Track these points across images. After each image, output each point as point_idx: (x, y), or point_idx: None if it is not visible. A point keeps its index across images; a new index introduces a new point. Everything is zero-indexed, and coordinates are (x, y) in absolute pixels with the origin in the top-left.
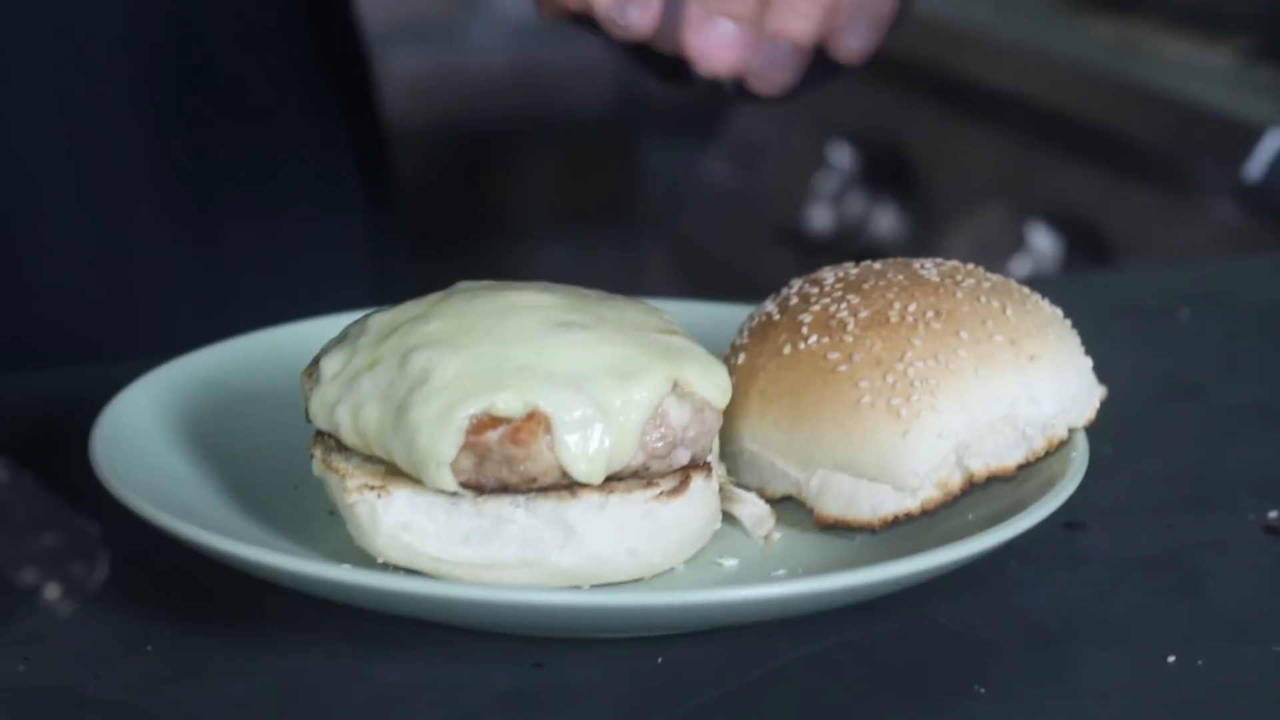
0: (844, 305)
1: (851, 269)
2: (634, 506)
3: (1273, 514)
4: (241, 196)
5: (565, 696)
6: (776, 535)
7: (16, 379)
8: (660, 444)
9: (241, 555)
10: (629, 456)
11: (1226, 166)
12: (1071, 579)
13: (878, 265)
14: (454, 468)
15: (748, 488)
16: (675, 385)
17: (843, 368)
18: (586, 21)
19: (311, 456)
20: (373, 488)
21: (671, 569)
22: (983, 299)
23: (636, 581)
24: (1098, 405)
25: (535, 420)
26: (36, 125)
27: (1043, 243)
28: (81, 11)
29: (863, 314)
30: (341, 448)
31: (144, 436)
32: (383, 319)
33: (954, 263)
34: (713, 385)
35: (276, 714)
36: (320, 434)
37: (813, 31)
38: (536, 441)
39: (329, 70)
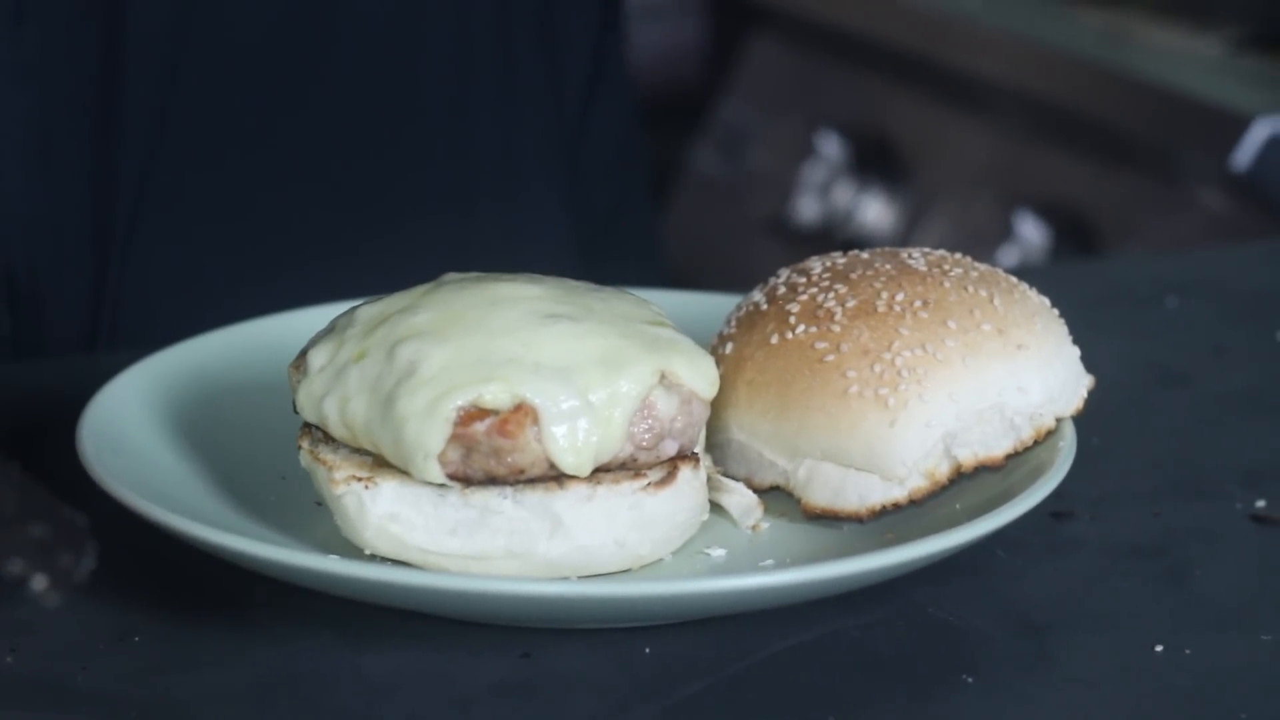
0: (831, 295)
1: (839, 258)
2: (622, 497)
3: (1260, 503)
4: None
5: (554, 686)
6: (764, 525)
7: (2, 370)
8: (648, 435)
9: (229, 546)
10: (616, 448)
11: (1214, 156)
12: (1059, 568)
13: (865, 255)
14: (441, 459)
15: (735, 478)
16: (663, 376)
17: (830, 357)
18: None
19: (299, 448)
20: (360, 479)
21: (659, 559)
22: (970, 288)
23: (624, 572)
24: (1085, 394)
25: (523, 412)
26: None
27: (1031, 232)
28: None
29: (850, 303)
30: (329, 439)
31: (131, 427)
32: (370, 311)
33: (941, 252)
34: (700, 376)
35: (265, 704)
36: (308, 425)
37: None
38: (524, 433)
39: None
